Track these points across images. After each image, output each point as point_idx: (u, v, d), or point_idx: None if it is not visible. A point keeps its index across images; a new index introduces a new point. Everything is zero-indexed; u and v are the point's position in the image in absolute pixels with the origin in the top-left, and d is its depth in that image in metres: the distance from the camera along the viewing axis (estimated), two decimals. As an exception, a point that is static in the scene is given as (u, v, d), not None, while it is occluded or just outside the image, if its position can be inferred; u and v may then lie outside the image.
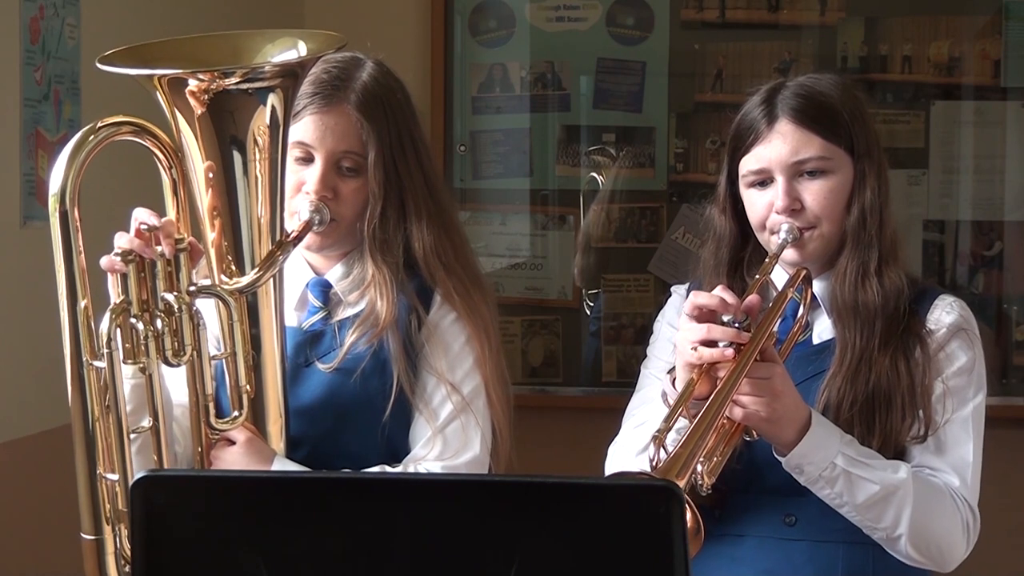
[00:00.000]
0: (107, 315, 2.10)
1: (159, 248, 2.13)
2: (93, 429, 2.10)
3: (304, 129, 2.32)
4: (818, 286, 2.37)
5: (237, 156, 2.18)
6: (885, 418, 2.27)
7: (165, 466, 2.17)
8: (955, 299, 2.37)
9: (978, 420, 2.32)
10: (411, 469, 2.31)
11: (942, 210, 4.60)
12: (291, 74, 2.18)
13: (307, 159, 2.34)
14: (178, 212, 2.21)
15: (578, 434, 3.40)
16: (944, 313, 2.33)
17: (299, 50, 2.21)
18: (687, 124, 4.65)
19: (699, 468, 2.07)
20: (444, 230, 2.39)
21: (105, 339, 2.08)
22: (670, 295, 2.50)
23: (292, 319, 2.38)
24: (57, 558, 2.58)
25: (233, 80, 2.13)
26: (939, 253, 4.59)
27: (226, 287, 2.19)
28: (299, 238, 2.27)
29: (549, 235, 4.71)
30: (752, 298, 2.22)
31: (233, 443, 2.25)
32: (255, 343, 2.23)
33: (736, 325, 2.16)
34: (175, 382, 2.24)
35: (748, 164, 2.35)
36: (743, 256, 2.40)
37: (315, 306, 2.40)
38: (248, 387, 2.22)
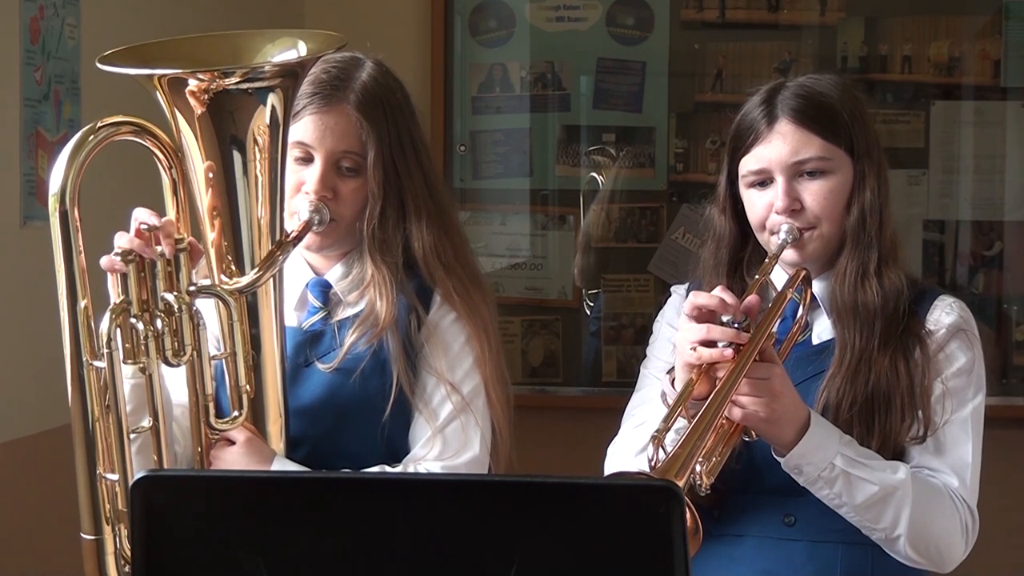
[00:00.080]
0: (107, 315, 2.10)
1: (159, 248, 2.13)
2: (93, 429, 2.10)
3: (304, 129, 2.32)
4: (818, 286, 2.37)
5: (237, 156, 2.18)
6: (884, 419, 2.27)
7: (165, 466, 2.17)
8: (955, 300, 2.37)
9: (977, 421, 2.32)
10: (411, 469, 2.31)
11: (942, 210, 4.60)
12: (291, 74, 2.18)
13: (307, 159, 2.34)
14: (178, 212, 2.21)
15: (578, 434, 3.40)
16: (944, 314, 2.33)
17: (299, 50, 2.21)
18: (687, 124, 4.65)
19: (698, 468, 2.07)
20: (444, 230, 2.39)
21: (105, 339, 2.08)
22: (670, 295, 2.50)
23: (292, 319, 2.38)
24: (57, 558, 2.58)
25: (233, 80, 2.13)
26: (939, 253, 4.59)
27: (226, 287, 2.19)
28: (299, 238, 2.27)
29: (549, 235, 4.71)
30: (751, 298, 2.22)
31: (233, 443, 2.25)
32: (255, 343, 2.23)
33: (735, 325, 2.17)
34: (175, 382, 2.24)
35: (748, 164, 2.35)
36: (743, 256, 2.40)
37: (315, 306, 2.40)
38: (248, 387, 2.22)
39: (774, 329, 2.27)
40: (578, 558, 1.57)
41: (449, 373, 2.34)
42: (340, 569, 1.60)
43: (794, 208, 2.31)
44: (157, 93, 2.14)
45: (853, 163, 2.34)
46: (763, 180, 2.34)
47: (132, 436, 2.13)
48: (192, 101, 2.13)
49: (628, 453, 2.30)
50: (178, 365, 2.15)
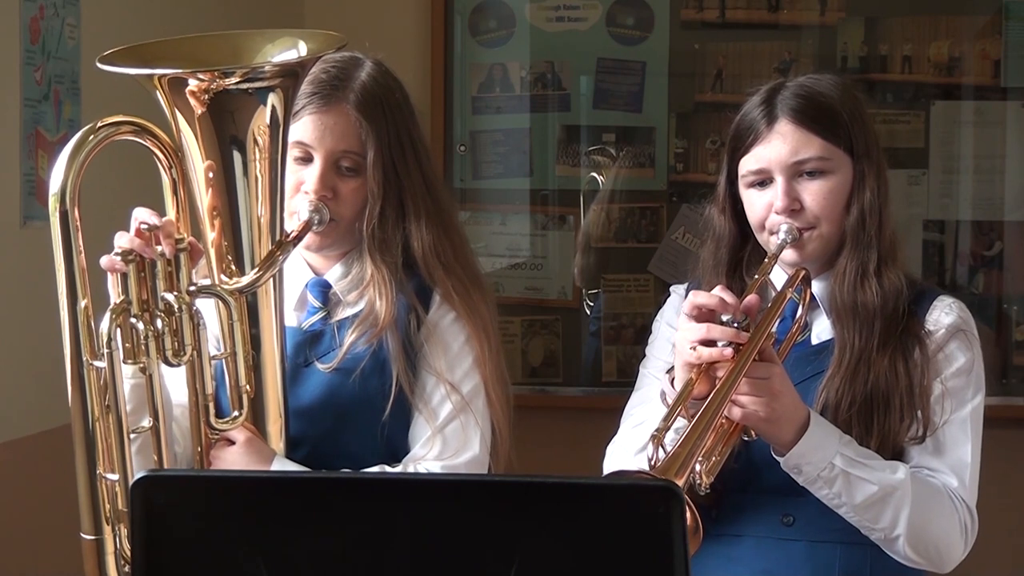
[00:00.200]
0: (107, 315, 2.10)
1: (159, 248, 2.13)
2: (93, 429, 2.10)
3: (303, 129, 2.32)
4: (817, 286, 2.37)
5: (237, 156, 2.18)
6: (883, 419, 2.27)
7: (165, 466, 2.17)
8: (954, 300, 2.37)
9: (976, 421, 2.32)
10: (411, 469, 2.31)
11: (942, 210, 4.60)
12: (291, 74, 2.18)
13: (306, 159, 2.34)
14: (178, 212, 2.21)
15: (578, 434, 3.40)
16: (943, 314, 2.33)
17: (299, 50, 2.21)
18: (687, 124, 4.65)
19: (698, 467, 2.07)
20: (443, 230, 2.39)
21: (105, 339, 2.08)
22: (669, 295, 2.50)
23: (292, 319, 2.38)
24: (57, 558, 2.58)
25: (233, 80, 2.13)
26: (939, 253, 4.59)
27: (226, 287, 2.19)
28: (299, 238, 2.27)
29: (549, 235, 4.71)
30: (751, 298, 2.22)
31: (233, 443, 2.25)
32: (255, 343, 2.23)
33: (735, 325, 2.17)
34: (175, 382, 2.24)
35: (748, 164, 2.35)
36: (742, 256, 2.40)
37: (314, 306, 2.40)
38: (248, 387, 2.23)
39: (773, 329, 2.27)
40: (578, 558, 1.57)
41: (449, 373, 2.34)
42: (340, 569, 1.60)
43: (794, 208, 2.31)
44: (157, 93, 2.14)
45: (853, 163, 2.34)
46: (763, 180, 2.34)
47: (132, 436, 2.13)
48: (192, 101, 2.13)
49: (627, 452, 2.30)
50: (178, 365, 2.15)
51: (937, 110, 4.58)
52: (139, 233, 2.14)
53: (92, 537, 2.12)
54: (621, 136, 4.68)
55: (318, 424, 2.32)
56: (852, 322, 2.30)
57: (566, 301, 4.71)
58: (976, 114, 4.58)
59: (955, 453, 2.29)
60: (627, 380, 2.49)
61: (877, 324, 2.30)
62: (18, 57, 3.20)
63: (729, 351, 2.15)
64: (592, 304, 4.70)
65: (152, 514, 1.61)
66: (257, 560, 1.59)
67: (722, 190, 2.41)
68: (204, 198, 2.19)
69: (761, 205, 2.34)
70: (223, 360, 2.21)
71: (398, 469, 2.31)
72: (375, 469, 2.30)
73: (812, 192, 2.32)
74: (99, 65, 2.14)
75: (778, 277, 2.38)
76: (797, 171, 2.32)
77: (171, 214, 2.20)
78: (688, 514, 1.90)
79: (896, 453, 2.28)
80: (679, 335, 2.21)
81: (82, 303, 2.09)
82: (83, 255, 2.09)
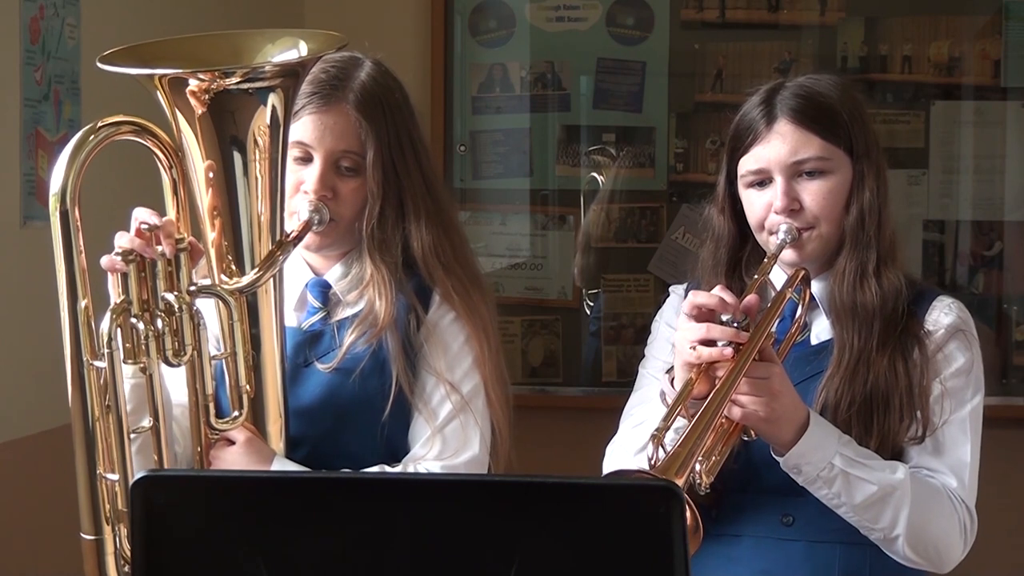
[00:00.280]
0: (107, 315, 2.10)
1: (159, 248, 2.13)
2: (93, 429, 2.10)
3: (303, 129, 2.32)
4: (816, 286, 2.37)
5: (237, 156, 2.18)
6: (883, 419, 2.27)
7: (165, 466, 2.17)
8: (953, 300, 2.37)
9: (976, 421, 2.32)
10: (410, 469, 2.31)
11: (942, 210, 4.60)
12: (292, 74, 2.18)
13: (306, 159, 2.34)
14: (178, 212, 2.21)
15: (578, 434, 3.40)
16: (942, 314, 2.33)
17: (300, 50, 2.21)
18: (687, 124, 4.66)
19: (698, 467, 2.07)
20: (443, 229, 2.39)
21: (105, 339, 2.08)
22: (668, 295, 2.50)
23: (291, 319, 2.38)
24: (57, 558, 2.58)
25: (234, 80, 2.13)
26: (939, 253, 4.59)
27: (226, 287, 2.19)
28: (299, 238, 2.27)
29: (549, 235, 4.71)
30: (751, 298, 2.22)
31: (233, 443, 2.25)
32: (255, 343, 2.23)
33: (735, 325, 2.17)
34: (175, 382, 2.24)
35: (747, 164, 2.35)
36: (741, 256, 2.40)
37: (314, 306, 2.40)
38: (248, 387, 2.22)
39: (773, 329, 2.27)
40: (578, 558, 1.57)
41: (448, 373, 2.34)
42: (340, 569, 1.60)
43: (793, 208, 2.31)
44: (157, 93, 2.14)
45: (852, 163, 2.34)
46: (762, 180, 2.34)
47: (132, 436, 2.13)
48: (193, 101, 2.13)
49: (627, 452, 2.30)
50: (178, 365, 2.15)
51: (937, 110, 4.58)
52: (139, 233, 2.14)
53: (92, 537, 2.12)
54: (621, 136, 4.68)
55: (318, 424, 2.32)
56: (851, 322, 2.30)
57: (566, 301, 4.71)
58: (976, 114, 4.58)
59: (954, 453, 2.29)
60: (627, 380, 2.49)
61: (876, 324, 2.30)
62: (18, 57, 3.20)
63: (729, 351, 2.15)
64: (592, 304, 4.70)
65: (152, 514, 1.61)
66: (257, 560, 1.59)
67: (721, 190, 2.41)
68: (204, 198, 2.19)
69: (760, 205, 2.34)
70: (223, 360, 2.21)
71: (398, 469, 2.31)
72: (375, 469, 2.30)
73: (811, 192, 2.32)
74: (99, 65, 2.14)
75: (777, 277, 2.38)
76: (796, 171, 2.32)
77: (171, 214, 2.20)
78: (688, 514, 1.90)
79: (895, 453, 2.28)
80: (679, 335, 2.21)
81: (82, 303, 2.09)
82: (83, 255, 2.09)
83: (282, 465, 2.26)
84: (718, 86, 4.63)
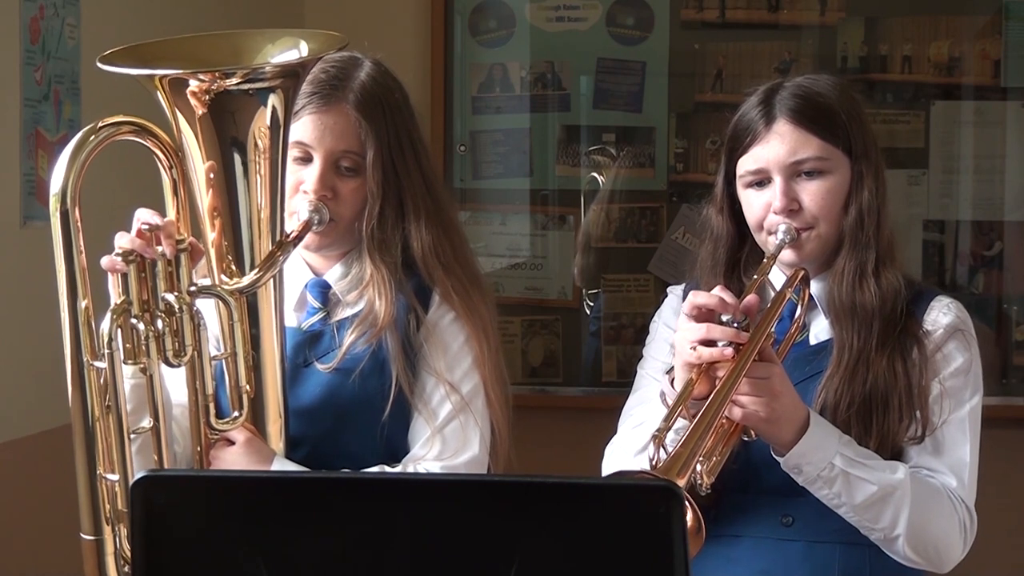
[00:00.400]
0: (108, 315, 2.10)
1: (160, 248, 2.13)
2: (93, 429, 2.10)
3: (303, 129, 2.32)
4: (815, 287, 2.37)
5: (237, 156, 2.18)
6: (882, 419, 2.27)
7: (165, 466, 2.17)
8: (952, 300, 2.37)
9: (975, 421, 2.32)
10: (410, 469, 2.31)
11: (942, 210, 4.60)
12: (292, 74, 2.18)
13: (306, 159, 2.34)
14: (178, 212, 2.21)
15: (578, 434, 3.40)
16: (941, 314, 2.33)
17: (300, 50, 2.21)
18: (687, 124, 4.66)
19: (698, 468, 2.07)
20: (443, 229, 2.39)
21: (106, 339, 2.08)
22: (666, 296, 2.50)
23: (291, 319, 2.38)
24: (57, 558, 2.58)
25: (234, 80, 2.13)
26: (939, 253, 4.59)
27: (226, 287, 2.19)
28: (299, 238, 2.27)
29: (549, 235, 4.72)
30: (751, 298, 2.22)
31: (233, 443, 2.25)
32: (255, 343, 2.23)
33: (735, 325, 2.17)
34: (175, 382, 2.24)
35: (746, 164, 2.35)
36: (740, 256, 2.40)
37: (314, 306, 2.40)
38: (248, 387, 2.23)
39: (772, 329, 2.27)
40: (578, 558, 1.57)
41: (448, 373, 2.34)
42: (340, 569, 1.61)
43: (792, 208, 2.31)
44: (158, 93, 2.14)
45: (851, 163, 2.34)
46: (761, 180, 2.34)
47: (132, 436, 2.13)
48: (193, 101, 2.13)
49: (627, 453, 2.30)
50: (179, 365, 2.15)
51: (937, 110, 4.58)
52: (140, 233, 2.14)
53: (92, 537, 2.12)
54: (621, 136, 4.68)
55: (318, 424, 2.32)
56: (850, 322, 2.30)
57: (566, 301, 4.71)
58: (976, 114, 4.58)
59: (954, 453, 2.29)
60: (627, 380, 2.49)
61: (875, 324, 2.30)
62: (18, 57, 3.20)
63: (729, 351, 2.15)
64: (592, 304, 4.70)
65: (152, 514, 1.61)
66: (257, 560, 1.59)
67: (720, 190, 2.41)
68: (204, 198, 2.19)
69: (759, 205, 2.34)
70: (223, 360, 2.21)
71: (398, 469, 2.31)
72: (375, 469, 2.30)
73: (810, 192, 2.32)
74: (99, 65, 2.14)
75: (776, 277, 2.38)
76: (795, 171, 2.32)
77: (171, 214, 2.20)
78: (691, 515, 1.90)
79: (895, 453, 2.28)
80: (679, 335, 2.21)
81: (82, 303, 2.09)
82: (83, 255, 2.09)
83: (282, 465, 2.26)
84: (718, 86, 4.63)
